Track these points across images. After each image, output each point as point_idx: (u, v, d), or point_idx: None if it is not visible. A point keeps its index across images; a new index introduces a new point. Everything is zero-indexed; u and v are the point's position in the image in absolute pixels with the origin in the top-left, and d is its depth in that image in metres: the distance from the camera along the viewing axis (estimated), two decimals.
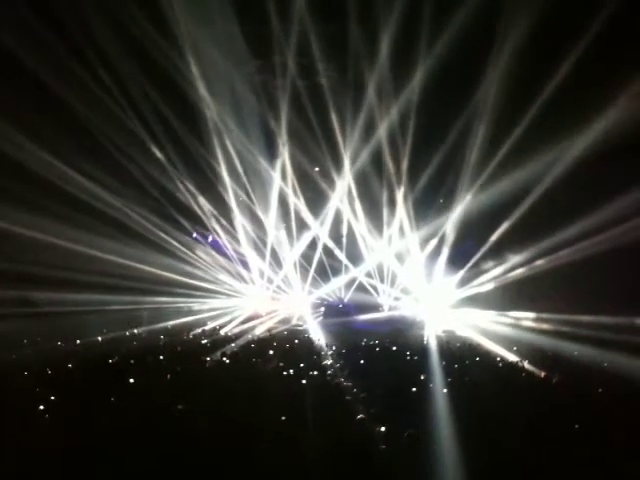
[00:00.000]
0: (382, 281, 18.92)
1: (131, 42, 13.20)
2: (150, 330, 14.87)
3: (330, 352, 11.20)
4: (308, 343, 13.09)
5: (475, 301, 17.15)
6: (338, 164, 16.90)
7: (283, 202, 18.11)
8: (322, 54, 14.61)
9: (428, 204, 17.59)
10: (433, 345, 12.33)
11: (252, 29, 14.03)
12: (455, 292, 17.70)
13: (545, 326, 14.53)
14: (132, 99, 14.39)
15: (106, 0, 13.11)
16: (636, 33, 11.79)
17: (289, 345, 12.32)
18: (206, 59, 14.51)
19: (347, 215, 18.09)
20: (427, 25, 13.18)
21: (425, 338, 14.55)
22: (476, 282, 17.11)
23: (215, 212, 17.78)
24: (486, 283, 16.89)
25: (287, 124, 16.09)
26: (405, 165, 16.61)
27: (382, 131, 16.01)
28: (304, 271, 18.83)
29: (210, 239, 18.57)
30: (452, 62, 13.43)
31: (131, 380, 7.65)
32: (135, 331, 14.68)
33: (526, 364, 10.03)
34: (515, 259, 16.10)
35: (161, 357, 9.93)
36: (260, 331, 15.13)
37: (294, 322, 17.65)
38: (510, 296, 16.26)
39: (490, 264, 16.77)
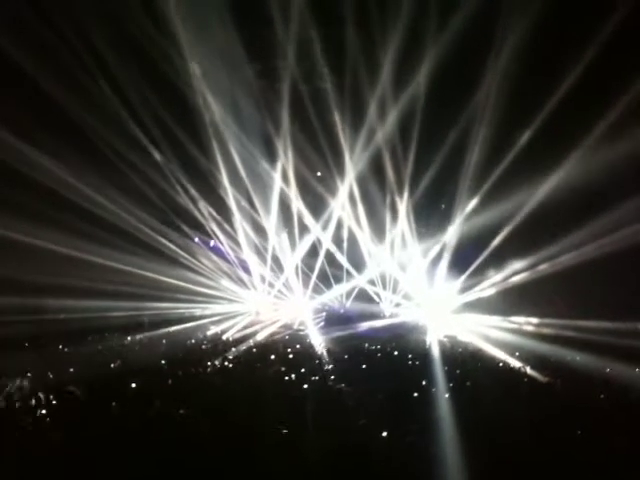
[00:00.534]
0: (384, 286, 18.92)
1: (131, 46, 13.25)
2: (151, 335, 14.86)
3: (332, 357, 11.19)
4: (310, 348, 13.08)
5: (477, 306, 17.11)
6: (339, 169, 16.92)
7: (284, 207, 18.13)
8: (323, 58, 14.68)
9: (430, 209, 17.60)
10: (435, 350, 12.31)
11: (252, 33, 14.09)
12: (457, 297, 17.67)
13: (547, 331, 14.49)
14: (132, 104, 14.42)
15: (106, 3, 13.17)
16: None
17: (291, 350, 12.31)
18: (206, 63, 14.58)
19: (348, 220, 18.10)
20: (430, 29, 13.25)
21: (427, 343, 14.52)
22: (478, 287, 17.08)
23: (216, 217, 17.80)
24: (488, 288, 16.86)
25: (288, 128, 16.14)
26: (407, 170, 16.62)
27: (384, 136, 16.04)
28: (305, 276, 18.83)
29: (211, 244, 18.59)
30: (455, 66, 13.48)
31: (133, 385, 7.66)
32: (137, 337, 14.66)
33: (528, 369, 10.01)
34: (517, 264, 16.07)
35: (163, 362, 9.94)
36: (262, 336, 15.12)
37: (296, 327, 17.63)
38: (512, 301, 16.22)
39: (492, 269, 16.75)
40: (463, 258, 17.36)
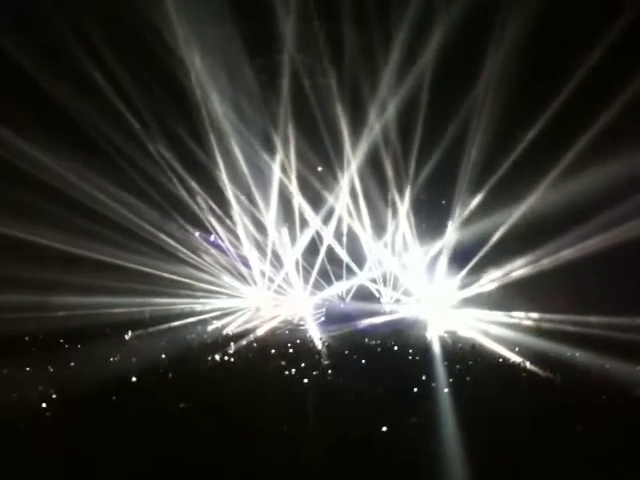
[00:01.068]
0: (384, 282, 18.93)
1: (130, 40, 13.23)
2: (152, 331, 14.87)
3: (332, 352, 11.20)
4: (310, 343, 13.10)
5: (477, 302, 17.13)
6: (340, 164, 16.90)
7: (285, 202, 18.12)
8: (324, 53, 14.64)
9: (430, 205, 17.59)
10: (435, 346, 12.32)
11: (253, 27, 14.05)
12: (457, 293, 17.69)
13: (547, 326, 14.50)
14: (132, 99, 14.39)
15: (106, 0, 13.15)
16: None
17: (291, 345, 12.32)
18: (206, 57, 14.54)
19: (349, 216, 18.09)
20: (433, 24, 13.20)
21: (427, 339, 14.54)
22: (478, 283, 17.10)
23: (217, 212, 17.80)
24: (488, 284, 16.87)
25: (289, 123, 16.11)
26: (408, 166, 16.60)
27: (384, 132, 16.00)
28: (306, 272, 18.84)
29: (212, 239, 18.60)
30: (458, 63, 13.46)
31: (133, 380, 7.68)
32: (137, 332, 14.68)
33: (528, 364, 10.02)
34: (517, 259, 16.07)
35: (163, 356, 9.96)
36: (262, 331, 15.14)
37: (296, 323, 17.65)
38: (512, 296, 16.23)
39: (492, 265, 16.75)
40: (463, 254, 17.36)
